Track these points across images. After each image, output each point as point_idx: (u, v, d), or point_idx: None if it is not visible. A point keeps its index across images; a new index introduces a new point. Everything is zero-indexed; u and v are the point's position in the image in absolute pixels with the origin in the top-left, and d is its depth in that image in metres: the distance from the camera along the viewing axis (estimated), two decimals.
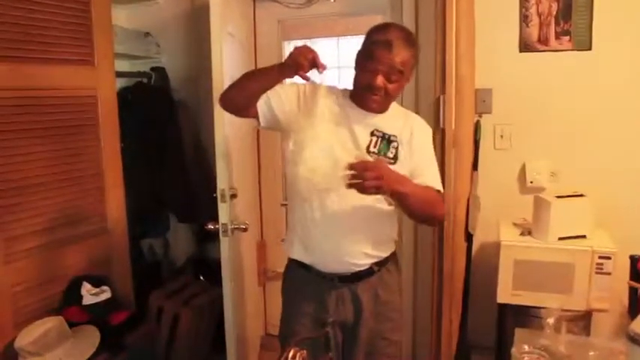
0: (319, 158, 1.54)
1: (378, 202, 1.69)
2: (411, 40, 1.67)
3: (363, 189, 1.42)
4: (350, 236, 1.72)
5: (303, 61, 1.54)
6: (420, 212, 1.68)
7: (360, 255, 1.74)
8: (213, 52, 2.16)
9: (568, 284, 2.08)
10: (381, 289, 1.80)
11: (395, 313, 1.86)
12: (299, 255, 1.82)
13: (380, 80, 1.62)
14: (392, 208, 1.74)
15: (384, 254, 1.81)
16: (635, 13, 2.28)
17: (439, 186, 1.74)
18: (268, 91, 1.68)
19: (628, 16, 2.28)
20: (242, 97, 1.70)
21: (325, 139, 1.56)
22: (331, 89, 1.74)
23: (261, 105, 1.70)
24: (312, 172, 1.55)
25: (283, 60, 1.62)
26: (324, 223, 1.71)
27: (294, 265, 1.86)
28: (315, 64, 1.55)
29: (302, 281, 1.83)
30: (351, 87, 1.76)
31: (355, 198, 1.57)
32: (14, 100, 2.17)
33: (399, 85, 1.67)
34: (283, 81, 1.69)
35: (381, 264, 1.80)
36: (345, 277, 1.77)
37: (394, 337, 1.86)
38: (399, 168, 1.67)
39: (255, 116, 1.72)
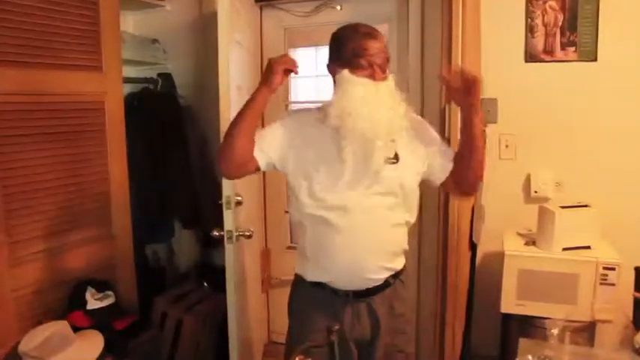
0: (333, 179, 1.62)
1: (393, 213, 1.68)
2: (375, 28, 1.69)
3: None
4: (369, 250, 1.67)
5: (280, 67, 1.61)
6: (481, 157, 1.67)
7: (379, 269, 1.70)
8: (220, 60, 2.17)
9: (572, 295, 2.07)
10: (395, 301, 1.76)
11: (408, 325, 1.84)
12: (313, 275, 1.75)
13: (379, 75, 1.59)
14: (404, 219, 1.73)
15: (399, 266, 1.77)
16: None
17: None
18: (257, 140, 1.65)
19: (633, 28, 2.29)
20: (242, 138, 1.61)
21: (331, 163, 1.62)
22: (310, 113, 1.74)
23: (257, 151, 1.65)
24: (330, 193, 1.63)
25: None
26: (342, 239, 1.64)
27: (303, 282, 1.79)
28: (290, 68, 1.64)
29: (313, 298, 1.76)
30: None
31: (371, 212, 1.64)
32: (21, 104, 2.19)
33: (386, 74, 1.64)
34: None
35: (395, 276, 1.76)
36: (360, 292, 1.72)
37: (409, 349, 1.82)
38: (403, 165, 1.66)
39: (255, 165, 1.67)
